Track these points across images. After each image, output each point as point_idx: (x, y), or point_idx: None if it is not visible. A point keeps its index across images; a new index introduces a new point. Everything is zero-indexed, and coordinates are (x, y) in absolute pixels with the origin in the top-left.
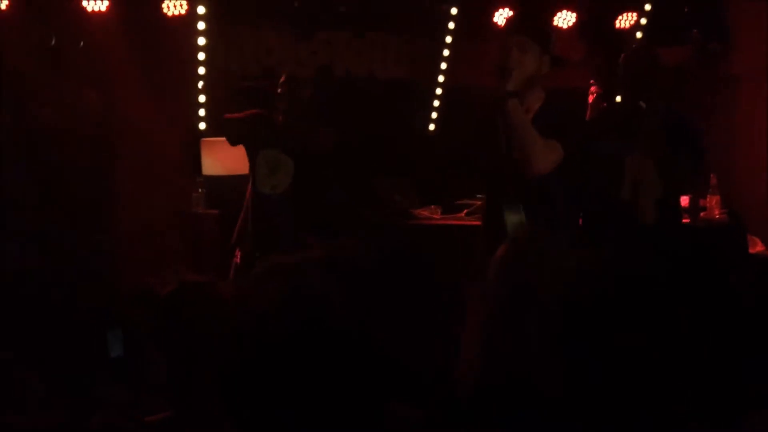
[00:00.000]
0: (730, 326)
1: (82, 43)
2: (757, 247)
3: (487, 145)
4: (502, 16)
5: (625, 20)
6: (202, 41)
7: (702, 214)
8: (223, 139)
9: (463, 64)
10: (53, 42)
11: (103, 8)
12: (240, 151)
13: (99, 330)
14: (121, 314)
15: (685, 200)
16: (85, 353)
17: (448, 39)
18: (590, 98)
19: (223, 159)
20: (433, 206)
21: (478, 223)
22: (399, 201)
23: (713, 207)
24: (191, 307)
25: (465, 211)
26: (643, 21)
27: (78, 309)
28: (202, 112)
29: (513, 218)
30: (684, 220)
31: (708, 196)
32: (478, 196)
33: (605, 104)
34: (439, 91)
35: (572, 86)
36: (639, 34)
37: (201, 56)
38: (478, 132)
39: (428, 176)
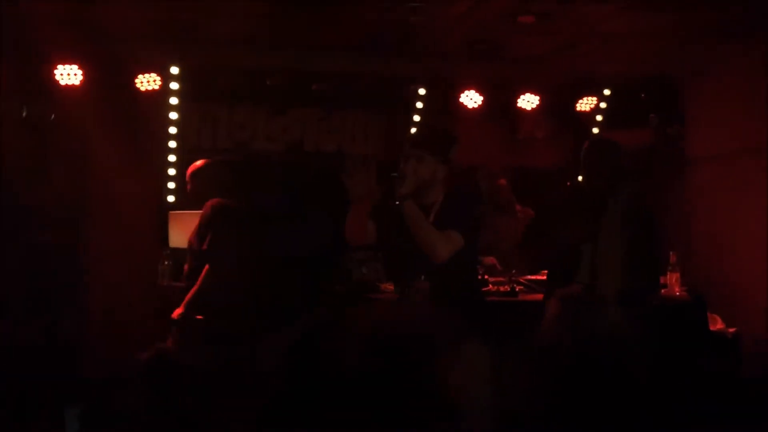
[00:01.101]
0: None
1: (53, 116)
2: (717, 324)
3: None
4: (468, 97)
5: (585, 103)
6: (174, 116)
7: (662, 291)
8: (191, 211)
9: None
10: (24, 114)
11: (77, 82)
12: None
13: (58, 407)
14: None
15: None
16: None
17: (416, 117)
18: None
19: (190, 232)
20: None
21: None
22: (365, 274)
23: (673, 284)
24: (165, 372)
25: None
26: (603, 105)
27: (42, 383)
28: (171, 185)
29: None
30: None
31: (668, 273)
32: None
33: (568, 183)
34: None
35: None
36: (599, 117)
37: (172, 130)
38: (393, 218)
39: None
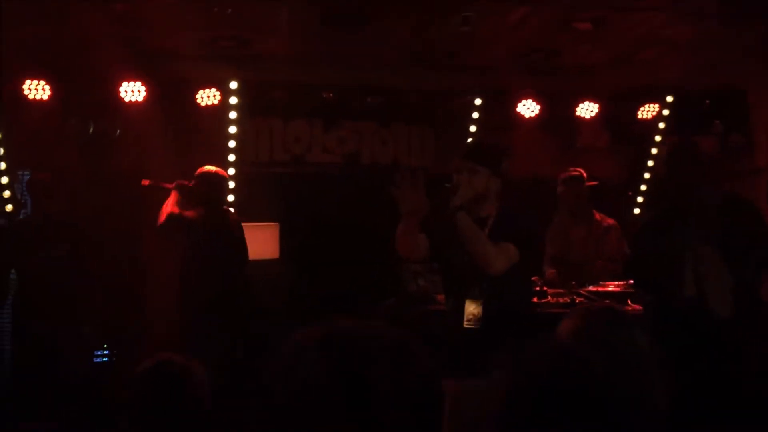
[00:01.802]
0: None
1: (118, 131)
2: None
3: (452, 243)
4: (525, 107)
5: (647, 111)
6: (233, 130)
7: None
8: (254, 223)
9: None
10: (91, 130)
11: (140, 98)
12: (266, 237)
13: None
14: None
15: None
16: None
17: (473, 128)
18: (559, 189)
19: (249, 244)
20: None
21: None
22: (422, 286)
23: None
24: (165, 385)
25: None
26: (666, 112)
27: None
28: (231, 198)
29: (471, 307)
30: None
31: None
32: None
33: (630, 193)
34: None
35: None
36: (661, 125)
37: (231, 144)
38: (446, 230)
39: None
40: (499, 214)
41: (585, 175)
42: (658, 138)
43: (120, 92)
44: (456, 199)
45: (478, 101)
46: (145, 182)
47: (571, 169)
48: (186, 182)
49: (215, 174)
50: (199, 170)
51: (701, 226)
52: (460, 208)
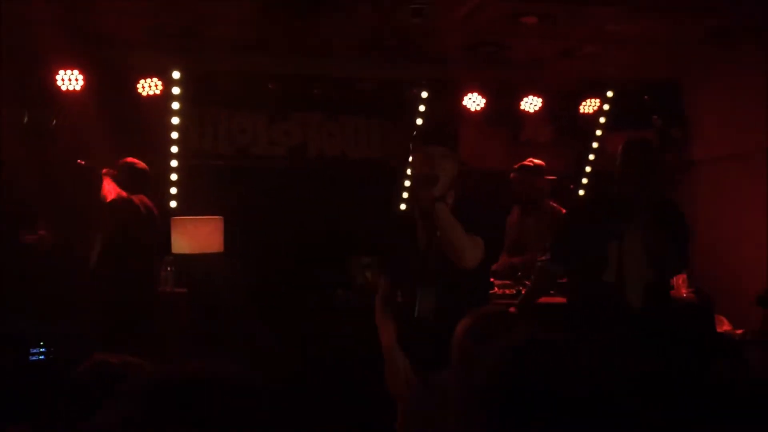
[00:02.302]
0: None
1: (54, 121)
2: (723, 326)
3: (397, 237)
4: (471, 100)
5: (588, 106)
6: (175, 121)
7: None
8: (193, 217)
9: None
10: (26, 120)
11: (78, 87)
12: (209, 230)
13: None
14: None
15: None
16: None
17: (419, 121)
18: (511, 176)
19: (193, 237)
20: None
21: None
22: (370, 279)
23: (680, 286)
24: (99, 386)
25: None
26: (606, 107)
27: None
28: (173, 191)
29: (425, 303)
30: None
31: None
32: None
33: (571, 186)
34: (409, 171)
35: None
36: (602, 119)
37: (174, 135)
38: (399, 225)
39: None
40: (460, 204)
41: (543, 166)
42: (599, 132)
43: (57, 80)
44: (437, 189)
45: (424, 94)
46: (81, 162)
47: (530, 159)
48: (114, 171)
49: (137, 165)
50: (122, 161)
51: (636, 220)
52: (440, 199)
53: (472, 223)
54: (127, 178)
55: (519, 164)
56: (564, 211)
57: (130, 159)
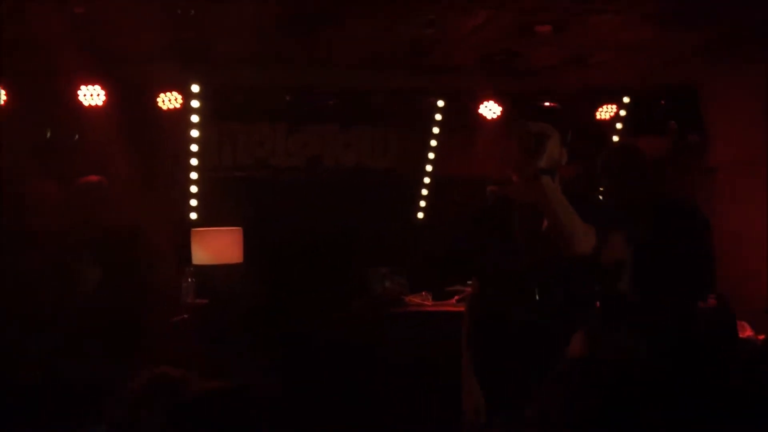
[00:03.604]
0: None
1: (77, 136)
2: (746, 332)
3: (484, 233)
4: (487, 108)
5: (605, 112)
6: (195, 134)
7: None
8: (214, 228)
9: (451, 155)
10: (48, 135)
11: (100, 102)
12: (229, 241)
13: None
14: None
15: None
16: None
17: (435, 130)
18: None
19: (213, 249)
20: (424, 293)
21: None
22: (389, 288)
23: None
24: (160, 402)
25: (456, 297)
26: (622, 113)
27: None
28: (193, 203)
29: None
30: None
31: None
32: (468, 282)
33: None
34: (427, 180)
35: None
36: (619, 125)
37: (194, 148)
38: (477, 221)
39: (418, 263)
40: (568, 194)
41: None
42: (615, 138)
43: (78, 96)
44: (542, 160)
45: (440, 103)
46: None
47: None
48: None
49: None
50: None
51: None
52: (546, 172)
53: (585, 211)
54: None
55: (498, 178)
56: None
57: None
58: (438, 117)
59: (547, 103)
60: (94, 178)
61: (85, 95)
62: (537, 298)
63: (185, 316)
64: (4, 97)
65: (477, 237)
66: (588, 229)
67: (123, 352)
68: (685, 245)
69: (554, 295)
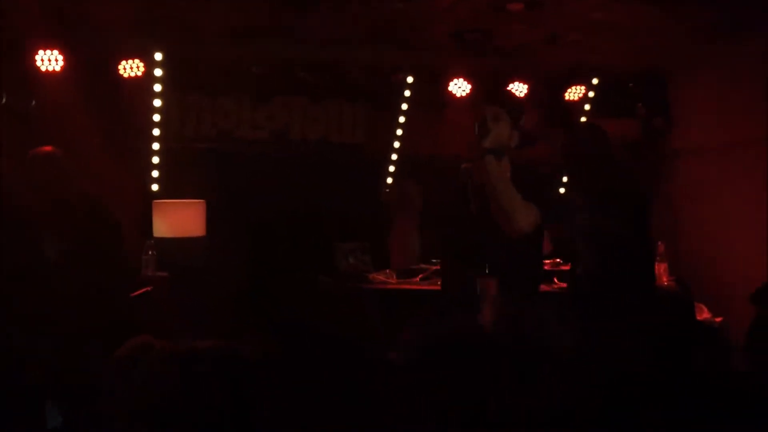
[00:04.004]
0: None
1: (33, 102)
2: (703, 314)
3: (453, 210)
4: (456, 86)
5: (574, 93)
6: (157, 103)
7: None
8: (175, 200)
9: (418, 132)
10: (3, 101)
11: (58, 68)
12: (191, 214)
13: (38, 402)
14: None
15: None
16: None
17: (404, 106)
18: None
19: (174, 221)
20: (388, 270)
21: (433, 287)
22: (352, 264)
23: (661, 274)
24: (142, 365)
25: (419, 276)
26: (591, 94)
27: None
28: (155, 174)
29: (482, 281)
30: None
31: (656, 263)
32: (432, 260)
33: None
34: (394, 157)
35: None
36: (587, 107)
37: (156, 118)
38: (444, 198)
39: (382, 241)
40: (516, 171)
41: None
42: (583, 119)
43: (36, 61)
44: (486, 141)
45: (410, 79)
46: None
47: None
48: None
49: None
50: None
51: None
52: (491, 152)
53: (527, 190)
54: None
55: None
56: None
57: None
58: (407, 93)
59: (513, 87)
60: (46, 148)
61: (42, 60)
62: (486, 272)
63: (149, 288)
64: None
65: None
66: (529, 208)
67: (95, 326)
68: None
69: (501, 270)
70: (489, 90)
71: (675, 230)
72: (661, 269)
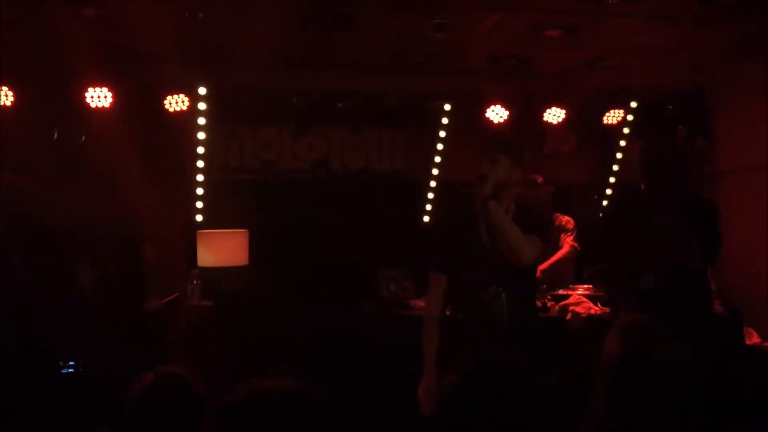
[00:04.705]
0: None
1: (84, 137)
2: (753, 338)
3: (468, 238)
4: (494, 113)
5: (612, 116)
6: (201, 136)
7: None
8: (219, 231)
9: (457, 158)
10: (55, 136)
11: (107, 104)
12: (234, 244)
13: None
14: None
15: None
16: None
17: (442, 134)
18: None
19: (218, 251)
20: None
21: None
22: (393, 291)
23: None
24: (165, 399)
25: None
26: (630, 117)
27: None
28: (199, 204)
29: (502, 308)
30: None
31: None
32: None
33: (595, 197)
34: (433, 183)
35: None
36: (626, 130)
37: (200, 150)
38: (460, 226)
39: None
40: (520, 208)
41: (540, 180)
42: (623, 143)
43: (86, 98)
44: (486, 188)
45: (447, 107)
46: None
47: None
48: None
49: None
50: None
51: (661, 219)
52: (491, 197)
53: (530, 223)
54: None
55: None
56: (566, 219)
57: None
58: (445, 120)
59: (550, 112)
60: (12, 179)
61: (92, 97)
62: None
63: (176, 294)
64: (12, 98)
65: (454, 234)
66: (531, 241)
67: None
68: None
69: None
70: (527, 117)
71: (722, 253)
72: None
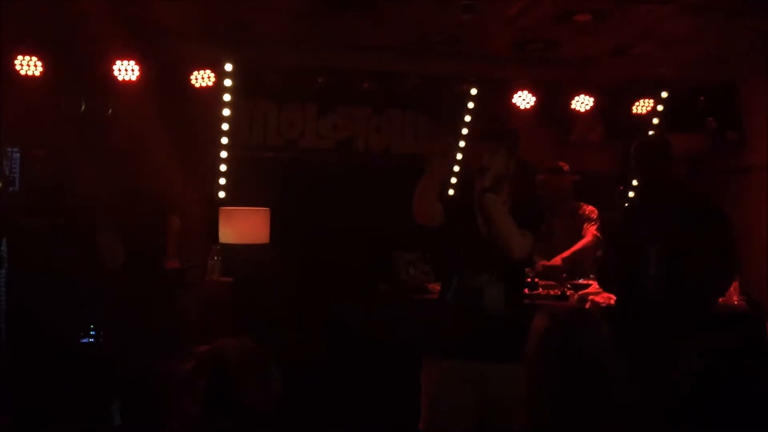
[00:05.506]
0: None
1: (110, 110)
2: None
3: (466, 229)
4: (521, 98)
5: (642, 106)
6: (226, 112)
7: (720, 299)
8: (242, 207)
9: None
10: (83, 108)
11: (134, 78)
12: (256, 221)
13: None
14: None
15: None
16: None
17: (467, 118)
18: (539, 178)
19: (240, 228)
20: None
21: None
22: (412, 275)
23: (732, 293)
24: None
25: None
26: (660, 108)
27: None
28: (222, 181)
29: (492, 294)
30: None
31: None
32: None
33: (621, 187)
34: (456, 168)
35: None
36: (655, 120)
37: (224, 127)
38: (459, 216)
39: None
40: (514, 202)
41: (566, 168)
42: (651, 133)
43: (113, 71)
44: (485, 180)
45: (473, 91)
46: None
47: (552, 161)
48: None
49: None
50: None
51: (657, 222)
52: (489, 190)
53: (522, 217)
54: None
55: (546, 167)
56: (589, 208)
57: None
58: (470, 105)
59: (578, 99)
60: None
61: (119, 70)
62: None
63: (195, 263)
64: (41, 68)
65: (451, 223)
66: (524, 236)
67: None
68: (708, 238)
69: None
70: (554, 104)
71: (746, 247)
72: (731, 288)
